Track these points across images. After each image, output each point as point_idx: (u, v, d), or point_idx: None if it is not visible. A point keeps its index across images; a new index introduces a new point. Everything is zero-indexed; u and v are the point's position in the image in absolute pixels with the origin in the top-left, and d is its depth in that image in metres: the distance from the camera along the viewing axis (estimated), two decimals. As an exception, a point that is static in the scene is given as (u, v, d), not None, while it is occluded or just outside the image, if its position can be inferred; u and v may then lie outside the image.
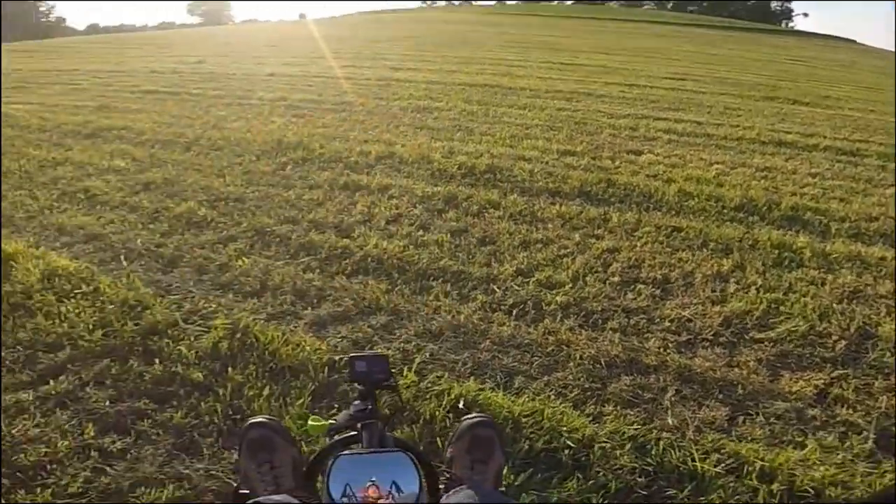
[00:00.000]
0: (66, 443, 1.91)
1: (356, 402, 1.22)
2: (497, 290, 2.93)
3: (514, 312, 2.74)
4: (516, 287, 2.96)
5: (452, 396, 2.12)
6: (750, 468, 1.86)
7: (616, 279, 3.09)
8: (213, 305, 2.72)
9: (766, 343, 2.58)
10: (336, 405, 2.11)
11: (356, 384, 1.25)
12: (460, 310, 2.74)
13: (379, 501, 0.90)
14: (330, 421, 1.25)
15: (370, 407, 1.20)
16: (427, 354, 2.42)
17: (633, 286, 3.03)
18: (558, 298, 2.85)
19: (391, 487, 0.91)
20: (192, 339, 2.45)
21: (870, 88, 13.13)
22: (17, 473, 1.81)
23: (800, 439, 2.04)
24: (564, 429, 1.99)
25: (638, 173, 4.82)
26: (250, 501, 1.06)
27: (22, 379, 2.23)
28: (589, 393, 2.24)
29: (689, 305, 2.86)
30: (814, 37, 37.26)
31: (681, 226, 3.75)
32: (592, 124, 6.67)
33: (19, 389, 2.18)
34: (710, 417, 2.12)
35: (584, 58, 14.30)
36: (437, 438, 1.93)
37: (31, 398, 2.12)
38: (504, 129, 6.26)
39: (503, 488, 1.36)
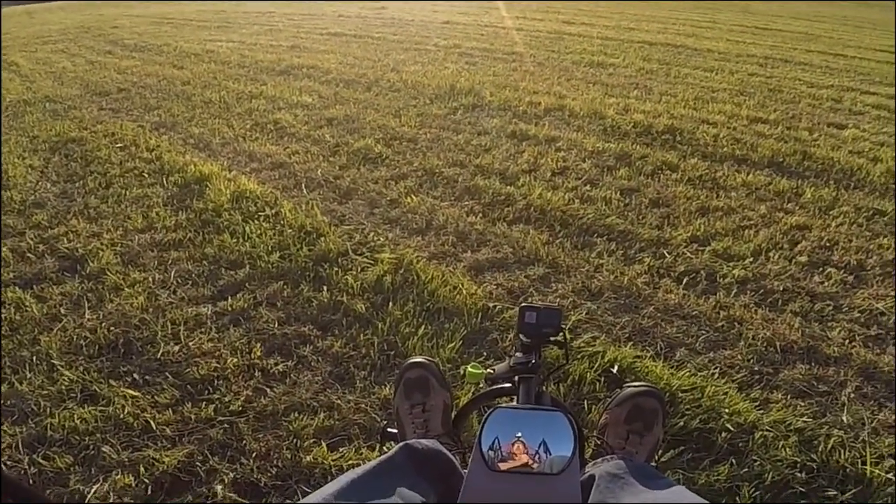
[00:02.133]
0: (235, 360, 2.04)
1: (518, 354, 1.18)
2: (667, 255, 2.75)
3: (685, 281, 2.56)
4: (689, 254, 2.76)
5: (606, 360, 2.03)
6: None
7: (803, 259, 2.77)
8: (381, 239, 2.82)
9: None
10: (485, 353, 2.10)
11: (521, 336, 1.19)
12: (624, 271, 2.61)
13: (524, 460, 0.85)
14: (488, 370, 1.23)
15: (533, 361, 1.15)
16: (584, 313, 2.33)
17: (822, 269, 2.71)
18: (735, 272, 2.62)
19: (539, 447, 0.85)
20: (359, 270, 2.55)
21: None
22: (188, 386, 1.94)
23: None
24: (725, 410, 1.84)
25: (839, 148, 4.26)
26: (403, 443, 1.05)
27: (204, 293, 2.43)
28: (757, 377, 2.05)
29: (885, 297, 2.51)
30: None
31: (885, 209, 3.28)
32: (789, 92, 5.98)
33: (200, 303, 2.36)
34: (890, 420, 1.88)
35: (780, 23, 12.83)
36: (584, 401, 1.87)
37: (209, 312, 2.29)
38: (687, 90, 5.80)
39: (654, 464, 1.26)
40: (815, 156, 4.02)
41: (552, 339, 1.19)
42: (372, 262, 2.61)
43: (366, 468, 0.94)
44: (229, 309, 2.31)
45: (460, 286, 2.42)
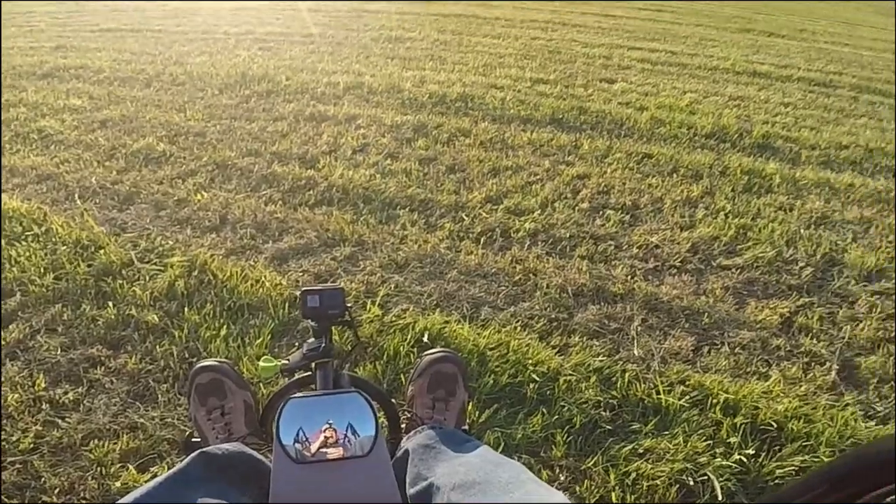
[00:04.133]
0: (17, 396, 1.83)
1: (309, 341, 1.17)
2: (465, 217, 2.88)
3: (482, 240, 2.70)
4: (485, 214, 2.92)
5: (417, 330, 2.07)
6: (714, 401, 1.83)
7: (585, 205, 3.05)
8: (171, 242, 2.63)
9: (733, 270, 2.57)
10: (297, 343, 2.05)
11: (309, 321, 1.18)
12: (427, 239, 2.69)
13: (335, 445, 0.86)
14: (283, 361, 1.20)
15: (324, 345, 1.14)
16: (392, 286, 2.36)
17: (602, 212, 3.00)
18: (527, 225, 2.81)
19: (347, 430, 0.86)
20: (147, 278, 2.37)
21: (846, 22, 12.97)
22: None
23: (764, 370, 2.03)
24: (530, 361, 1.94)
25: (610, 101, 4.74)
26: (196, 451, 1.01)
27: None
28: (555, 324, 2.20)
29: (658, 231, 2.84)
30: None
31: (651, 152, 3.71)
32: (566, 53, 6.51)
33: None
34: (675, 348, 2.10)
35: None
36: (401, 375, 1.89)
37: None
38: (477, 58, 6.08)
39: (466, 427, 1.31)
40: (590, 110, 4.43)
41: (339, 319, 1.19)
42: (161, 268, 2.44)
43: (152, 485, 0.88)
44: (3, 343, 2.06)
45: (263, 278, 2.35)
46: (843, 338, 2.21)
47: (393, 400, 1.33)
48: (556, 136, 3.90)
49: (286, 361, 1.19)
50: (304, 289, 1.18)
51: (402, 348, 1.99)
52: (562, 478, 1.61)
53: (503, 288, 2.39)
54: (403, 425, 1.28)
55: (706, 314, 2.27)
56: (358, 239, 2.69)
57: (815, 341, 2.18)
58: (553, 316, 2.24)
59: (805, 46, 8.39)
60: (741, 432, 1.73)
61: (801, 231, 2.89)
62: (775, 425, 1.77)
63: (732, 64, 6.42)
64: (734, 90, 5.39)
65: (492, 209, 2.97)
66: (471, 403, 1.77)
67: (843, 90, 5.83)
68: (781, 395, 1.89)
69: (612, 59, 6.33)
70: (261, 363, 1.20)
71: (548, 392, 1.85)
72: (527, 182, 3.27)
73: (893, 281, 2.56)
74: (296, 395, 0.92)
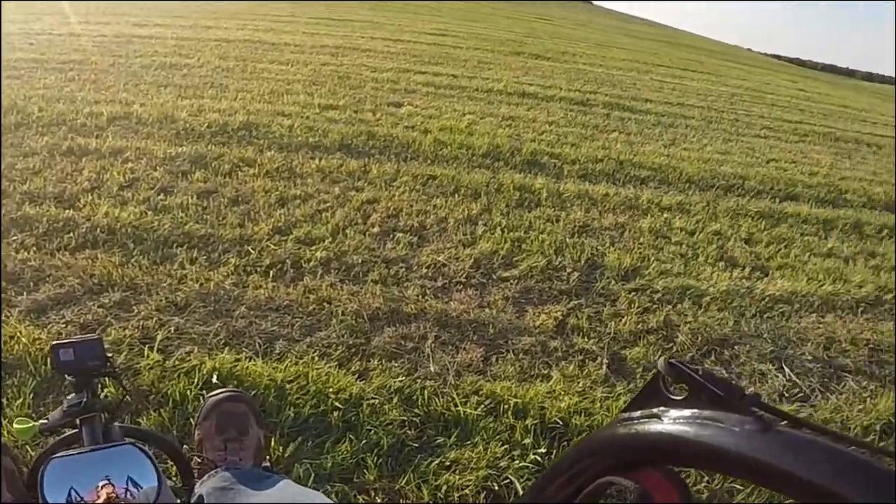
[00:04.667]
0: None
1: (70, 396, 1.07)
2: (252, 251, 2.78)
3: (272, 273, 2.62)
4: (273, 246, 2.84)
5: (204, 371, 1.95)
6: (505, 406, 1.94)
7: (376, 230, 3.11)
8: None
9: (511, 281, 2.77)
10: (61, 400, 1.84)
11: (66, 376, 1.09)
12: (210, 276, 2.54)
13: (116, 500, 0.79)
14: (42, 421, 1.09)
15: (86, 400, 1.05)
16: (172, 329, 2.20)
17: (392, 235, 3.08)
18: (318, 254, 2.78)
19: (127, 483, 0.80)
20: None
21: (600, 45, 14.87)
22: None
23: (546, 371, 2.18)
24: (331, 390, 1.92)
25: (398, 125, 4.91)
26: None
27: None
28: (353, 349, 2.20)
29: (444, 250, 2.98)
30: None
31: (435, 174, 3.90)
32: (356, 78, 6.63)
33: None
34: (467, 360, 2.20)
35: (352, 13, 14.12)
36: (191, 420, 1.74)
37: None
38: (263, 84, 5.94)
39: (268, 464, 1.27)
40: (378, 134, 4.55)
41: (102, 371, 1.09)
42: None
43: None
44: None
45: (17, 335, 2.06)
46: (610, 333, 2.48)
47: (186, 446, 1.24)
48: (345, 162, 3.94)
49: (45, 421, 1.09)
50: (54, 343, 1.08)
51: (189, 392, 1.87)
52: (378, 500, 1.61)
53: (297, 319, 2.34)
54: (195, 471, 1.21)
55: (491, 325, 2.42)
56: (129, 283, 2.46)
57: (586, 339, 2.41)
58: (351, 342, 2.24)
59: (566, 68, 9.45)
60: (532, 433, 1.86)
61: (567, 240, 3.22)
62: (561, 422, 1.92)
63: (505, 85, 7.02)
64: (506, 110, 5.89)
65: (280, 240, 2.91)
66: (272, 439, 1.72)
67: (597, 108, 6.66)
68: (563, 393, 2.06)
69: (400, 84, 6.57)
70: (15, 425, 1.08)
71: (353, 418, 1.85)
72: (316, 210, 3.25)
73: (647, 278, 2.95)
74: (59, 454, 0.86)
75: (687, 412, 0.38)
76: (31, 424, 1.08)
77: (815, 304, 2.94)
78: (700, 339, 2.56)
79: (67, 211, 2.98)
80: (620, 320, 2.58)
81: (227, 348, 2.14)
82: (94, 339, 1.10)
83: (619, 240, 3.35)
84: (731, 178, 4.76)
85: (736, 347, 2.54)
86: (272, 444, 1.71)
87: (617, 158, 4.74)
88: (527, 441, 1.83)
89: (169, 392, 1.87)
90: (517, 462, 1.76)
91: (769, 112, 8.90)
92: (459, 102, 6.05)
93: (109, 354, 1.12)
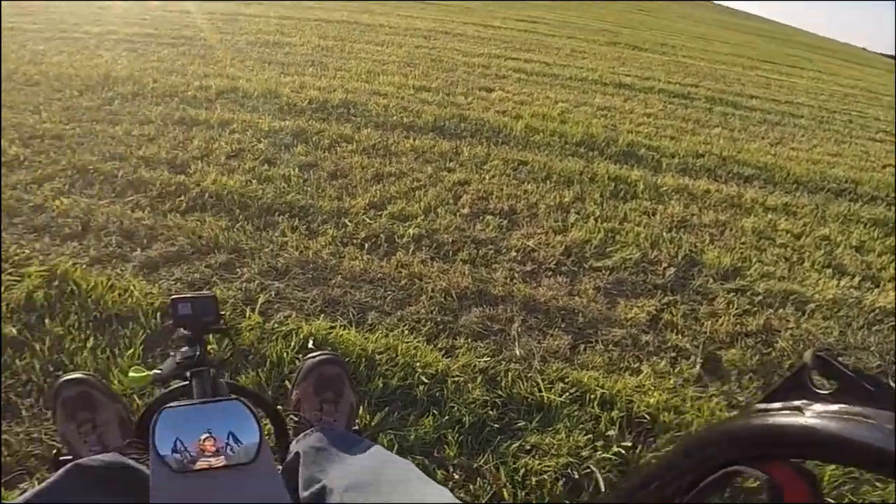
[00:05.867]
0: None
1: (183, 349, 1.12)
2: (349, 223, 2.85)
3: (367, 246, 2.68)
4: (368, 220, 2.90)
5: (301, 336, 2.02)
6: (591, 396, 1.91)
7: (466, 210, 3.12)
8: (27, 251, 2.40)
9: (603, 271, 2.71)
10: (172, 353, 1.95)
11: (181, 329, 1.14)
12: (309, 245, 2.63)
13: (214, 455, 0.82)
14: (154, 371, 1.14)
15: (199, 353, 1.10)
16: (272, 293, 2.29)
17: (482, 217, 3.08)
18: (411, 231, 2.82)
19: (228, 439, 0.83)
20: (3, 290, 2.16)
21: (701, 38, 14.24)
22: None
23: (635, 365, 2.13)
24: (418, 364, 1.95)
25: (489, 109, 4.89)
26: (71, 464, 0.94)
27: None
28: (441, 326, 2.22)
29: (534, 235, 2.95)
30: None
31: (527, 159, 3.87)
32: (448, 61, 6.65)
33: None
34: (554, 346, 2.17)
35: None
36: (286, 382, 1.84)
37: None
38: (360, 64, 6.06)
39: (357, 428, 1.30)
40: (470, 117, 4.55)
41: (213, 327, 1.14)
42: (18, 278, 2.22)
43: (21, 500, 0.81)
44: None
45: (131, 288, 2.20)
46: (705, 333, 2.39)
47: (279, 406, 1.29)
48: (437, 143, 3.97)
49: (158, 371, 1.14)
50: (173, 297, 1.13)
51: (285, 355, 1.94)
52: (456, 476, 1.62)
53: (389, 292, 2.39)
54: (291, 430, 1.25)
55: (580, 314, 2.38)
56: (234, 246, 2.58)
57: (680, 337, 2.33)
58: (439, 319, 2.26)
59: (665, 60, 9.11)
60: (618, 425, 1.82)
61: (664, 234, 3.11)
62: (649, 417, 1.87)
63: (600, 75, 6.85)
64: (601, 100, 5.75)
65: (375, 215, 2.96)
66: (361, 407, 1.76)
67: (699, 102, 6.39)
68: (652, 388, 2.00)
69: (491, 69, 6.54)
70: (130, 373, 1.14)
71: (437, 393, 1.87)
72: (410, 188, 3.29)
73: (748, 279, 2.82)
74: (171, 404, 0.88)
75: (834, 407, 0.37)
76: (145, 374, 1.13)
77: (933, 320, 2.72)
78: (802, 346, 2.42)
79: (179, 176, 3.15)
80: (717, 320, 2.48)
81: (322, 315, 2.20)
82: (210, 295, 1.15)
83: (719, 238, 3.21)
84: (842, 181, 4.46)
85: (840, 359, 2.39)
86: (360, 411, 1.76)
87: (719, 154, 4.54)
88: (611, 432, 1.80)
89: (267, 353, 1.95)
90: (600, 453, 1.72)
91: (886, 115, 8.28)
92: (552, 90, 5.96)
93: (223, 312, 1.17)
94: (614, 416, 1.85)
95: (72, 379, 1.24)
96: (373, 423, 1.73)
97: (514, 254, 2.78)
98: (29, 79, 4.83)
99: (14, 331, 1.96)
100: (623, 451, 1.73)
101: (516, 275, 2.62)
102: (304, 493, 0.96)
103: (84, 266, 2.34)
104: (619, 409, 1.88)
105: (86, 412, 1.21)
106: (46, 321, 2.01)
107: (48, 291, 2.15)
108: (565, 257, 2.80)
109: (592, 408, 1.88)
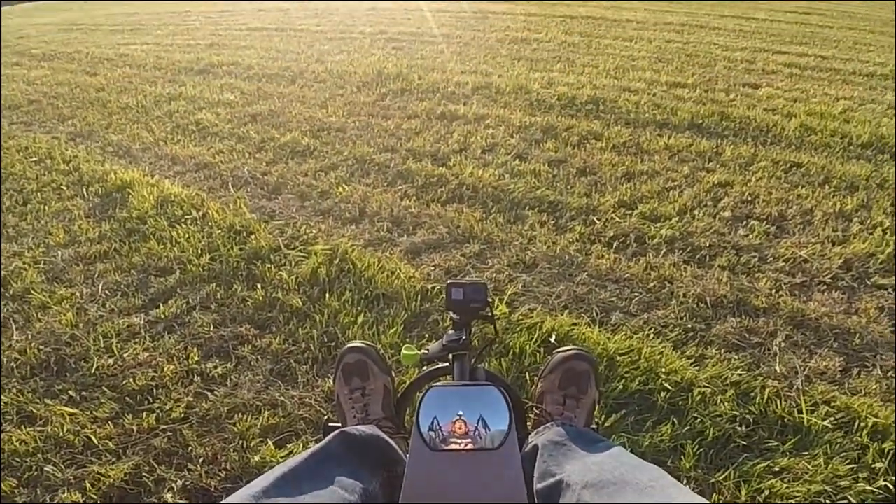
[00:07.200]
0: (172, 367, 1.98)
1: (450, 332, 1.18)
2: (597, 221, 2.82)
3: (615, 245, 2.63)
4: (618, 219, 2.84)
5: (544, 330, 2.05)
6: (861, 424, 1.69)
7: (727, 214, 2.90)
8: (314, 231, 2.79)
9: (890, 290, 2.34)
10: (427, 335, 2.10)
11: (451, 313, 1.19)
12: (556, 240, 2.66)
13: (464, 437, 0.87)
14: (423, 351, 1.22)
15: (464, 338, 1.15)
16: (520, 285, 2.36)
17: (745, 222, 2.84)
18: (663, 232, 2.71)
19: (478, 423, 0.87)
20: (293, 264, 2.52)
21: None
22: (126, 398, 1.89)
23: None
24: (662, 370, 1.88)
25: (755, 107, 4.46)
26: (338, 431, 1.04)
27: (135, 303, 2.34)
28: (691, 334, 2.10)
29: (807, 245, 2.64)
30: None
31: (801, 161, 3.45)
32: (705, 56, 6.21)
33: (132, 313, 2.28)
34: (821, 367, 1.95)
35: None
36: (526, 373, 1.88)
37: (142, 322, 2.22)
38: (608, 60, 5.94)
39: (595, 426, 1.28)
40: (733, 115, 4.20)
41: (480, 313, 1.19)
42: (305, 255, 2.58)
43: (298, 459, 0.91)
44: (162, 316, 2.26)
45: (398, 271, 2.42)
46: None
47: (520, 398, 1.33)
48: (695, 142, 3.74)
49: (426, 351, 1.22)
50: (449, 282, 1.19)
51: (528, 347, 1.98)
52: (689, 489, 1.54)
53: (636, 294, 2.32)
54: (530, 422, 1.27)
55: (858, 334, 2.09)
56: (486, 237, 2.71)
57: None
58: (689, 326, 2.15)
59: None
60: (888, 458, 1.61)
61: (978, 256, 2.57)
62: (926, 456, 1.61)
63: (891, 70, 5.84)
64: (893, 98, 4.90)
65: (625, 214, 2.89)
66: (597, 406, 1.75)
67: None
68: (938, 425, 1.71)
69: (756, 64, 5.96)
70: (403, 350, 1.23)
71: (680, 402, 1.79)
72: (664, 188, 3.16)
73: None
74: (437, 384, 0.94)
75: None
76: (415, 352, 1.22)
77: None
78: None
79: (440, 168, 3.40)
80: None
81: (566, 311, 2.22)
82: (481, 283, 1.18)
83: None
84: None
85: None
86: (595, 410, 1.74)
87: None
88: (879, 465, 1.57)
89: (511, 344, 2.01)
90: (862, 485, 1.52)
91: None
92: (831, 86, 5.23)
93: (490, 300, 1.21)
94: (886, 448, 1.63)
95: (355, 347, 1.35)
96: (606, 424, 1.71)
97: (781, 263, 2.52)
98: (317, 76, 5.60)
99: (299, 302, 2.27)
100: (890, 486, 1.53)
101: (783, 286, 2.37)
102: (538, 486, 0.96)
103: (360, 247, 2.64)
104: (893, 441, 1.65)
105: (359, 379, 1.31)
106: (326, 295, 2.31)
107: (329, 268, 2.47)
108: (843, 271, 2.47)
109: (860, 437, 1.67)
